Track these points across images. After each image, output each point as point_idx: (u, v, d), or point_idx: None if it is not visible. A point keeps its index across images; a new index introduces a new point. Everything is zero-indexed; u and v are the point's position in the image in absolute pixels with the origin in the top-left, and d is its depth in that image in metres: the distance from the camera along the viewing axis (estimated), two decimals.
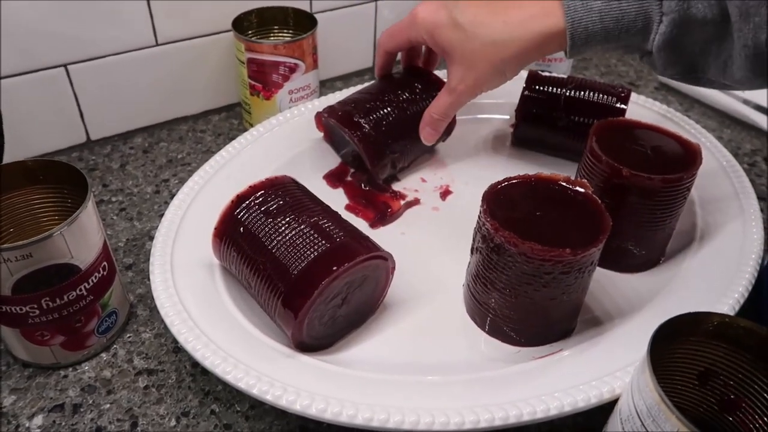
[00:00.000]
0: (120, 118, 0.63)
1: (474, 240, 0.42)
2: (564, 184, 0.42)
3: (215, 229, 0.42)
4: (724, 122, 0.70)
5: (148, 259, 0.44)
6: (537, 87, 0.57)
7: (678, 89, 0.75)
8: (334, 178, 0.56)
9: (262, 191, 0.42)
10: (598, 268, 0.42)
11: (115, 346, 0.44)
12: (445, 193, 0.55)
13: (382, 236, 0.44)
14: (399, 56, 0.57)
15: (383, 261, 0.41)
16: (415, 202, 0.54)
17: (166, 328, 0.40)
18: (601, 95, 0.55)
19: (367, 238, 0.41)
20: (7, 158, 0.49)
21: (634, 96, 0.61)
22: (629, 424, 0.30)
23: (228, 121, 0.67)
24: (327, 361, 0.39)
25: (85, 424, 0.39)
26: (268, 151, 0.55)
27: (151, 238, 0.49)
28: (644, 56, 0.46)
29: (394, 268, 0.42)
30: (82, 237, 0.38)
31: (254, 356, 0.38)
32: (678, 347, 0.33)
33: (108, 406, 0.40)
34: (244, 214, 0.41)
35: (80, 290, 0.39)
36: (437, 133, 0.53)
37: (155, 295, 0.41)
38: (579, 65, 0.80)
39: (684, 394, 0.35)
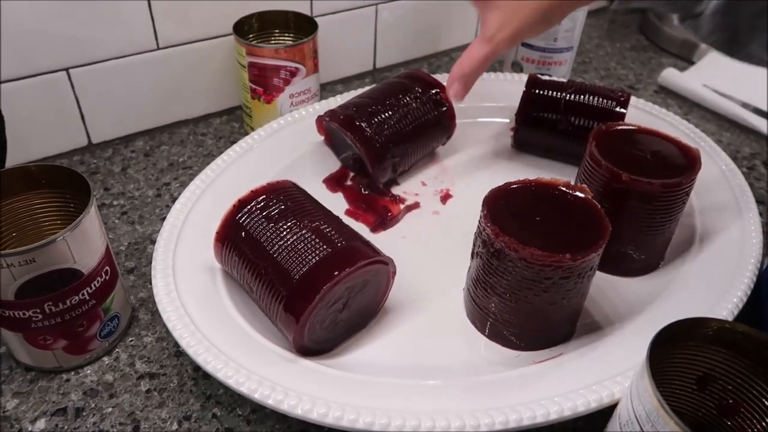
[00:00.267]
0: (121, 122, 0.63)
1: (474, 244, 0.42)
2: (564, 189, 0.42)
3: (217, 233, 0.42)
4: (723, 126, 0.70)
5: (150, 263, 0.44)
6: (537, 91, 0.57)
7: (677, 93, 0.75)
8: (333, 182, 0.56)
9: (264, 196, 0.42)
10: (597, 273, 0.42)
11: (117, 350, 0.44)
12: (445, 197, 0.56)
13: (382, 240, 0.44)
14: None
15: (384, 266, 0.41)
16: (416, 206, 0.55)
17: (167, 332, 0.40)
18: (600, 99, 0.56)
19: (368, 243, 0.41)
20: (9, 162, 0.50)
21: (633, 99, 0.61)
22: (628, 428, 0.31)
23: (229, 124, 0.68)
24: (328, 365, 0.40)
25: (88, 428, 0.39)
26: (269, 155, 0.56)
27: (153, 242, 0.50)
28: (687, 19, 0.44)
29: (394, 272, 0.43)
30: (85, 242, 0.39)
31: (256, 360, 0.38)
32: (677, 352, 0.33)
33: (110, 409, 0.41)
34: (246, 218, 0.42)
35: (83, 295, 0.40)
36: (466, 91, 0.50)
37: (157, 300, 0.41)
38: (579, 68, 0.80)
39: (683, 399, 0.35)
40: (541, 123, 0.57)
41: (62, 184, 0.42)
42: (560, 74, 0.71)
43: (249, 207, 0.42)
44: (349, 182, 0.56)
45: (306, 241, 0.39)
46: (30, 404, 0.41)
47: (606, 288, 0.46)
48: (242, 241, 0.41)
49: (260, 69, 0.59)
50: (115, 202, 0.57)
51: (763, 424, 0.33)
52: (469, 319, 0.44)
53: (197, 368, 0.43)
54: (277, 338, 0.41)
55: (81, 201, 0.40)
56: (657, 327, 0.31)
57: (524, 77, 0.59)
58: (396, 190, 0.56)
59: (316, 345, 0.41)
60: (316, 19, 0.62)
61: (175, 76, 0.64)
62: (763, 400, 0.32)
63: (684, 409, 0.35)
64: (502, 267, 0.39)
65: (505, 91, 0.64)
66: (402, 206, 0.54)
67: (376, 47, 0.76)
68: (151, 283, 0.43)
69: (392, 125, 0.54)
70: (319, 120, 0.56)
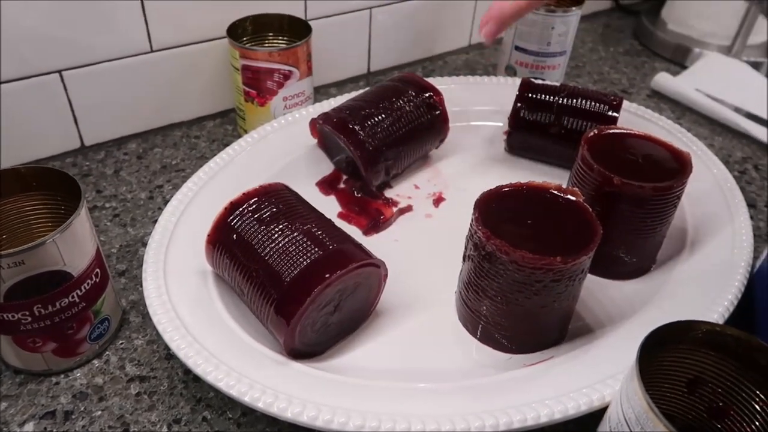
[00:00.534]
0: (114, 124, 0.63)
1: (466, 247, 0.42)
2: (555, 192, 0.42)
3: (208, 235, 0.42)
4: (715, 130, 0.70)
5: (142, 266, 0.44)
6: (530, 94, 0.57)
7: (670, 97, 0.75)
8: (326, 185, 0.56)
9: (256, 198, 0.42)
10: (589, 275, 0.42)
11: (107, 352, 0.44)
12: (438, 200, 0.56)
13: (375, 243, 0.44)
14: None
15: (376, 268, 0.41)
16: (408, 209, 0.55)
17: (158, 334, 0.40)
18: (593, 103, 0.56)
19: (359, 246, 0.41)
20: (1, 164, 0.49)
21: (626, 104, 0.61)
22: (618, 431, 0.31)
23: (222, 127, 0.68)
24: (319, 368, 0.40)
25: (77, 431, 0.39)
26: (262, 158, 0.56)
27: (145, 245, 0.49)
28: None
29: (386, 275, 0.43)
30: (75, 244, 0.38)
31: (246, 363, 0.38)
32: (667, 355, 0.33)
33: (100, 413, 0.40)
34: (238, 221, 0.41)
35: (72, 297, 0.39)
36: (498, 33, 0.49)
37: (148, 302, 0.41)
38: (572, 73, 0.80)
39: (673, 402, 0.35)
40: (533, 127, 0.57)
41: (53, 187, 0.42)
42: (554, 78, 0.71)
43: (241, 210, 0.42)
44: (342, 185, 0.56)
45: (297, 244, 0.39)
46: (19, 407, 0.40)
47: (597, 291, 0.47)
48: (234, 243, 0.41)
49: (254, 72, 0.59)
50: (107, 205, 0.57)
51: (753, 426, 0.33)
52: (461, 322, 0.44)
53: (187, 371, 0.42)
54: (268, 341, 0.41)
55: (72, 203, 0.40)
56: (648, 330, 0.31)
57: (518, 81, 0.60)
58: (389, 193, 0.56)
59: (307, 348, 0.40)
60: (311, 23, 0.62)
61: (168, 79, 0.64)
62: (753, 403, 0.33)
63: (674, 412, 0.35)
64: (494, 270, 0.39)
65: (498, 94, 0.64)
66: (395, 209, 0.54)
67: (371, 51, 0.76)
68: (142, 286, 0.43)
69: (385, 128, 0.54)
70: (313, 123, 0.56)
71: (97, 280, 0.41)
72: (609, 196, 0.44)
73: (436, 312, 0.45)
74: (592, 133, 0.47)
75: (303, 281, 0.38)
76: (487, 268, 0.39)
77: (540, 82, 0.58)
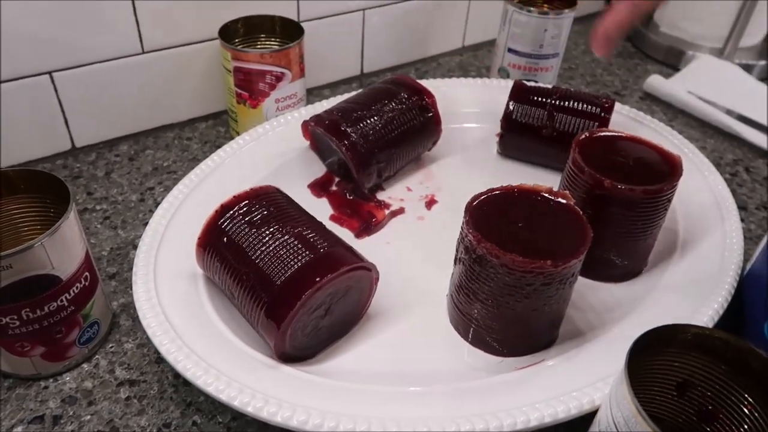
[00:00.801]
0: (105, 126, 0.63)
1: (457, 251, 0.42)
2: (546, 195, 0.42)
3: (199, 238, 0.42)
4: (707, 132, 0.70)
5: (132, 269, 0.44)
6: (522, 97, 0.57)
7: (662, 100, 0.75)
8: (318, 188, 0.56)
9: (247, 201, 0.42)
10: (580, 278, 0.42)
11: (96, 356, 0.44)
12: (430, 203, 0.56)
13: (367, 246, 0.44)
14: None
15: (367, 272, 0.41)
16: (400, 211, 0.55)
17: (148, 338, 0.40)
18: (585, 105, 0.56)
19: (351, 249, 0.41)
20: None
21: (618, 106, 0.61)
22: None
23: (214, 128, 0.67)
24: (309, 372, 0.39)
25: None
26: (254, 160, 0.55)
27: (135, 247, 0.49)
28: None
29: (377, 278, 0.42)
30: (64, 248, 0.38)
31: (236, 367, 0.38)
32: (656, 359, 0.33)
33: (89, 417, 0.40)
34: (228, 224, 0.41)
35: (61, 301, 0.39)
36: (610, 48, 0.49)
37: (137, 306, 0.41)
38: (565, 75, 0.81)
39: (662, 405, 0.35)
40: (526, 129, 0.57)
41: (42, 189, 0.41)
42: (546, 80, 0.71)
43: (231, 212, 0.42)
44: (334, 187, 0.56)
45: (288, 247, 0.39)
46: (7, 412, 0.40)
47: (588, 294, 0.47)
48: (224, 246, 0.41)
49: (246, 73, 0.59)
50: (98, 207, 0.56)
51: (742, 429, 0.33)
52: (453, 326, 0.44)
53: (178, 375, 0.42)
54: (258, 345, 0.41)
55: (61, 206, 0.39)
56: (639, 333, 0.31)
57: (510, 83, 0.60)
58: (381, 196, 0.56)
59: (298, 351, 0.40)
60: (303, 24, 0.62)
61: (160, 81, 0.63)
62: (742, 406, 0.33)
63: (664, 415, 0.35)
64: (484, 273, 0.39)
65: (491, 97, 0.64)
66: (387, 212, 0.54)
67: (364, 52, 0.76)
68: (132, 289, 0.43)
69: (378, 130, 0.54)
70: (305, 125, 0.56)
71: (87, 283, 0.41)
72: (600, 199, 0.44)
73: (428, 315, 0.45)
74: (583, 136, 0.47)
75: (294, 285, 0.38)
76: (478, 271, 0.39)
77: (532, 84, 0.58)
